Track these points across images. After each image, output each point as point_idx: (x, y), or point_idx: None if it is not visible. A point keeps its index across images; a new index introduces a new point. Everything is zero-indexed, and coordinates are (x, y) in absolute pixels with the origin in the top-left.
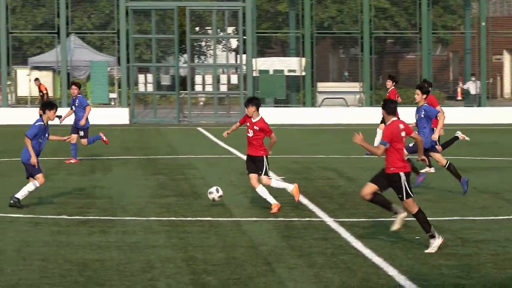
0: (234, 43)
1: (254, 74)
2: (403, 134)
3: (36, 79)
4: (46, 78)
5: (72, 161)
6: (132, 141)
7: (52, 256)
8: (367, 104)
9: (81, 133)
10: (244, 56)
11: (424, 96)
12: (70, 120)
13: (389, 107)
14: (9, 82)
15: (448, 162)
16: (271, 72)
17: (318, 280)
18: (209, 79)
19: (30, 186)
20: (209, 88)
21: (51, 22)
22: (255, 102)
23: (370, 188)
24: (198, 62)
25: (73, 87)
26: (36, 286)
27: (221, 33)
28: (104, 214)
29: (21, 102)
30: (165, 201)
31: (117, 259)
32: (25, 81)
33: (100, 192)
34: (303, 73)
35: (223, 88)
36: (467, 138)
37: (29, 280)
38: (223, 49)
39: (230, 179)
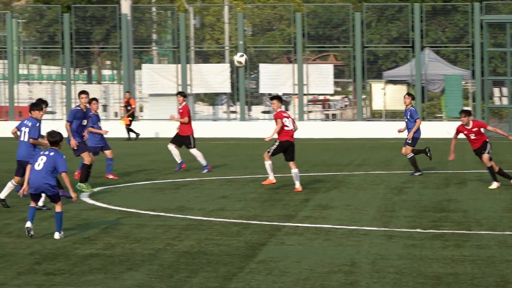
0: None
1: None
2: None
3: (127, 92)
4: (400, 91)
5: None
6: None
7: (406, 269)
8: None
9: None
10: None
11: None
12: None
13: None
14: (364, 96)
15: None
16: None
17: None
18: None
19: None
20: None
21: (406, 35)
22: None
23: None
24: None
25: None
26: None
27: None
28: (458, 227)
29: (376, 115)
30: None
31: (471, 273)
32: (380, 94)
33: (455, 205)
34: None
35: None
36: None
37: None
38: None
39: None
